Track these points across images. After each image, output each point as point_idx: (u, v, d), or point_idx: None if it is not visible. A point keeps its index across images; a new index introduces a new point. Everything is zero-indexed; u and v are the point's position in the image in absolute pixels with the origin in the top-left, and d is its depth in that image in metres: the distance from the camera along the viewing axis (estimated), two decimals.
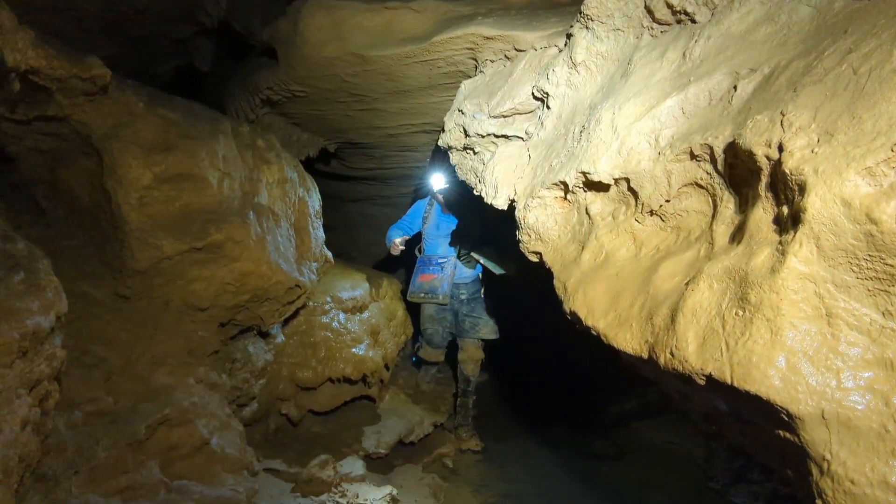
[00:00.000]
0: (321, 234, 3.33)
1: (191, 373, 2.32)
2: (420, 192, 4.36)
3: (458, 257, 4.03)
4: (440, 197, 3.94)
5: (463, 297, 4.15)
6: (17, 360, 1.33)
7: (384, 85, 3.13)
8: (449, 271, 4.02)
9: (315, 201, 3.37)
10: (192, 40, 3.21)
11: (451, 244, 4.15)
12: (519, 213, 2.25)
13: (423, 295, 4.07)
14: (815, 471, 1.04)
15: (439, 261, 4.07)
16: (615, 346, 1.58)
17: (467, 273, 4.10)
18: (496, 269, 3.87)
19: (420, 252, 4.26)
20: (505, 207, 2.44)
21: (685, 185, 1.60)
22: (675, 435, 3.70)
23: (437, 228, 4.10)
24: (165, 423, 1.98)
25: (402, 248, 4.05)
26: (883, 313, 1.00)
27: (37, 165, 2.23)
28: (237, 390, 3.02)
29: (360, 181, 5.29)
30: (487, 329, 4.21)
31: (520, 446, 4.16)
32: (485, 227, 3.98)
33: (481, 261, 3.84)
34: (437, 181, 3.80)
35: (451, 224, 4.08)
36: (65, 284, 2.17)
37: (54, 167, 2.24)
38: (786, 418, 1.06)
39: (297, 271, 2.89)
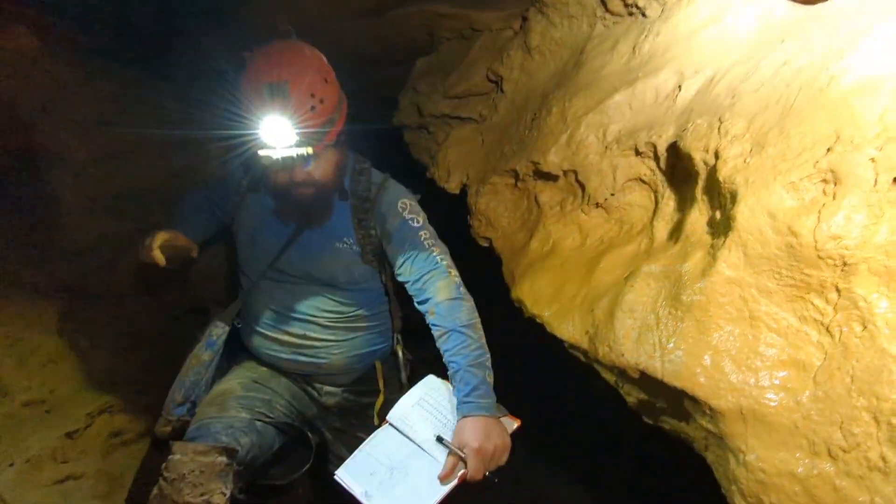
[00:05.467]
0: None
1: (136, 357, 2.26)
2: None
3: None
4: (279, 176, 1.59)
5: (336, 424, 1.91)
6: None
7: (337, 57, 3.03)
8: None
9: None
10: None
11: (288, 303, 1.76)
12: (471, 199, 2.26)
13: None
14: (732, 460, 1.12)
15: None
16: (558, 335, 1.63)
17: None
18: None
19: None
20: (457, 191, 2.45)
21: (629, 180, 1.65)
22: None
23: (252, 247, 1.78)
24: (107, 411, 1.94)
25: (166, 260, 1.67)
26: (799, 318, 1.07)
27: None
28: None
29: None
30: None
31: (526, 450, 3.96)
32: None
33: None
34: (282, 132, 1.49)
35: (270, 244, 1.74)
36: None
37: None
38: (708, 412, 1.13)
39: None
